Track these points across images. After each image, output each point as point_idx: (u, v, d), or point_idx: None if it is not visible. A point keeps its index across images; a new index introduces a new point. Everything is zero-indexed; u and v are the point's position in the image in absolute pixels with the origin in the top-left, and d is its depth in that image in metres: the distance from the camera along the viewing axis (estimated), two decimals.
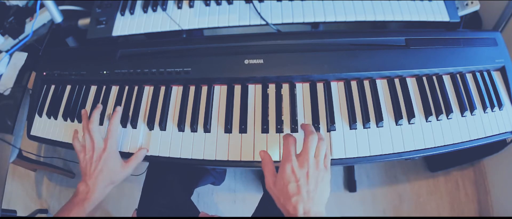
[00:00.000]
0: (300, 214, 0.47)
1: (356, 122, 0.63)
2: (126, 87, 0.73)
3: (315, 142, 0.53)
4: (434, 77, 0.68)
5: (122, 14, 0.79)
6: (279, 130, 0.63)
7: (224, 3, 0.77)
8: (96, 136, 0.61)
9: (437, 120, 0.64)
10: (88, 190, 0.57)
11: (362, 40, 0.70)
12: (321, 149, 0.53)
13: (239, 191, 1.37)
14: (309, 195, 0.48)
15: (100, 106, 0.67)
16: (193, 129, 0.65)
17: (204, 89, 0.70)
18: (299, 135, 0.62)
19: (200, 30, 0.76)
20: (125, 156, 0.65)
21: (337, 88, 0.68)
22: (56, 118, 0.74)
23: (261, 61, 0.68)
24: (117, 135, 0.62)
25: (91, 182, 0.58)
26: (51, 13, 0.82)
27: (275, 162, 0.56)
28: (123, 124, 0.68)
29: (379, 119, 0.63)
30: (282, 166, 0.51)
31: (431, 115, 0.64)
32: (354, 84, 0.67)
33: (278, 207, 0.51)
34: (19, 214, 1.32)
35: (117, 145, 0.62)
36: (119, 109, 0.66)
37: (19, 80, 0.85)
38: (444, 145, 0.62)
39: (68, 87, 0.77)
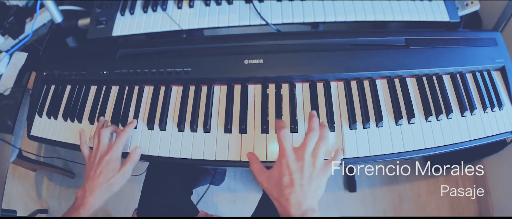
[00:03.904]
0: (293, 206, 0.48)
1: (356, 122, 0.63)
2: (126, 87, 0.73)
3: (315, 139, 0.54)
4: (434, 77, 0.68)
5: (122, 14, 0.79)
6: None
7: (224, 3, 0.77)
8: (104, 139, 0.61)
9: (437, 120, 0.64)
10: (85, 194, 0.57)
11: (362, 40, 0.70)
12: (321, 147, 0.53)
13: (239, 191, 1.37)
14: (302, 189, 0.49)
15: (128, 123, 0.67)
16: (193, 129, 0.65)
17: (204, 89, 0.70)
18: (300, 136, 0.63)
19: (200, 30, 0.77)
20: (125, 156, 0.64)
21: (337, 88, 0.67)
22: (56, 118, 0.74)
23: (261, 61, 0.68)
24: (124, 143, 0.63)
25: (88, 185, 0.58)
26: (51, 13, 0.83)
27: (262, 161, 0.57)
28: (123, 124, 0.68)
29: (379, 119, 0.63)
30: (278, 160, 0.53)
31: (431, 115, 0.64)
32: (354, 84, 0.67)
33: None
34: (19, 214, 1.32)
35: (121, 152, 0.62)
36: (135, 121, 0.67)
37: (19, 80, 0.85)
38: (444, 145, 0.62)
39: (68, 87, 0.77)
